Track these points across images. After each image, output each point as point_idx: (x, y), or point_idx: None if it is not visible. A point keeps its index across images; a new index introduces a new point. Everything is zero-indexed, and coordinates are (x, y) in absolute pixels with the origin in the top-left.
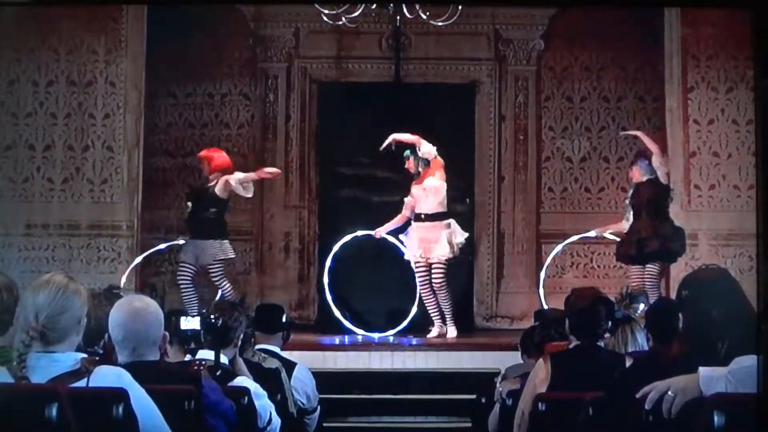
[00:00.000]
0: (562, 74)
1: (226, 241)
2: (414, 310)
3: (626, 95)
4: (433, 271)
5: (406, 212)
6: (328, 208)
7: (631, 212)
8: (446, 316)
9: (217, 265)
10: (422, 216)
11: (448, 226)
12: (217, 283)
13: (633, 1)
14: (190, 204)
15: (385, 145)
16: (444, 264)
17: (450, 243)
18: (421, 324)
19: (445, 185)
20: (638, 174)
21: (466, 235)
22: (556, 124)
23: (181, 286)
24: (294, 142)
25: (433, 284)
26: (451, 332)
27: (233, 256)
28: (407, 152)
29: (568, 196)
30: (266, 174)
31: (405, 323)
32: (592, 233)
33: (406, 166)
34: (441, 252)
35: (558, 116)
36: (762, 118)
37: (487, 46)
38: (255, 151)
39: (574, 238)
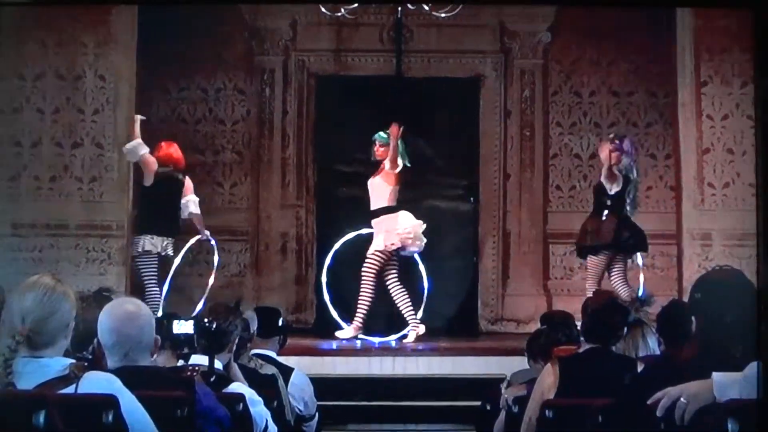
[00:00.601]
0: (570, 68)
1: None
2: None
3: (637, 90)
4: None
5: None
6: (327, 207)
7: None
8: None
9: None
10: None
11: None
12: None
13: (632, 1)
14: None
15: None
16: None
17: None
18: (444, 327)
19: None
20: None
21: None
22: (564, 120)
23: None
24: (291, 139)
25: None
26: (421, 331)
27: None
28: (382, 136)
29: (577, 195)
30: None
31: (407, 328)
32: None
33: (375, 151)
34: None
35: (566, 111)
36: (762, 118)
37: (492, 38)
38: (250, 147)
39: None
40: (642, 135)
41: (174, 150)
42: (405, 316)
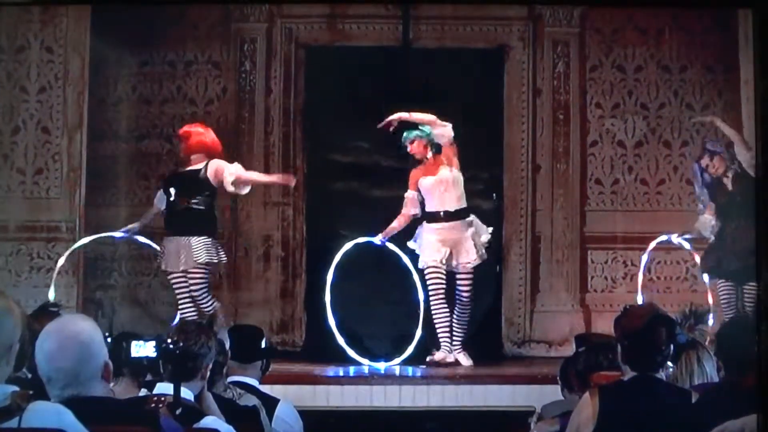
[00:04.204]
0: (611, 38)
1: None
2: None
3: (692, 64)
4: (460, 281)
5: (409, 210)
6: (319, 205)
7: (712, 213)
8: (460, 339)
9: (200, 271)
10: (441, 214)
11: (471, 224)
12: (198, 294)
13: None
14: (172, 191)
15: (384, 123)
16: (472, 272)
17: (476, 245)
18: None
19: (461, 175)
20: (723, 165)
21: (491, 229)
22: (605, 100)
23: (185, 307)
24: (276, 122)
25: (462, 297)
26: (464, 361)
27: (225, 258)
28: (414, 133)
29: (620, 191)
30: (280, 181)
31: (411, 348)
32: (673, 237)
33: (409, 150)
34: (469, 257)
35: (607, 90)
36: (762, 117)
37: (518, 4)
38: (227, 132)
39: (653, 244)
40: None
41: (211, 134)
42: (459, 339)
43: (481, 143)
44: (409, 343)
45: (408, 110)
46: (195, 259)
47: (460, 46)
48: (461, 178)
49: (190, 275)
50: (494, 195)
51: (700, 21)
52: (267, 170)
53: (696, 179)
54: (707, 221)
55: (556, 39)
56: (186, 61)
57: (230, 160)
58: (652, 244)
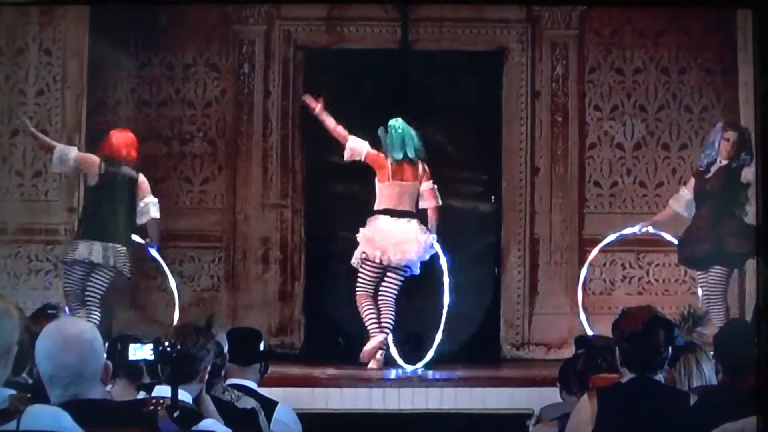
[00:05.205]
0: (610, 40)
1: None
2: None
3: (690, 66)
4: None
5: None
6: (317, 207)
7: (691, 189)
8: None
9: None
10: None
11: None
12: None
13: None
14: None
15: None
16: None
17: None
18: (446, 353)
19: None
20: (734, 153)
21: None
22: (604, 103)
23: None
24: (274, 124)
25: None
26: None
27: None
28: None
29: (619, 193)
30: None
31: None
32: (635, 229)
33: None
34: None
35: (605, 92)
36: (762, 117)
37: (517, 5)
38: (225, 136)
39: (611, 237)
40: (696, 121)
41: (126, 140)
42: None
43: (479, 145)
44: (429, 345)
45: (405, 116)
46: None
47: (459, 49)
48: None
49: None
50: (493, 198)
51: (698, 23)
52: (265, 173)
53: (711, 140)
54: (683, 196)
55: (554, 41)
56: (184, 63)
57: (228, 164)
58: (611, 237)
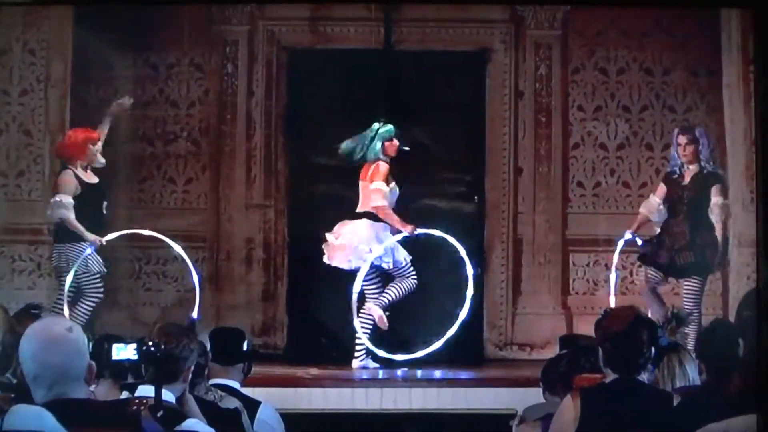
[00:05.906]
0: (594, 40)
1: None
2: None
3: (674, 67)
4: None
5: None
6: (301, 207)
7: (661, 205)
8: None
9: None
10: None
11: None
12: None
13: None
14: None
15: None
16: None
17: None
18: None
19: None
20: (693, 156)
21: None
22: (587, 103)
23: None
24: (258, 125)
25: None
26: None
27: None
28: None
29: (602, 193)
30: None
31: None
32: (627, 235)
33: (391, 148)
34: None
35: (589, 93)
36: (762, 117)
37: (500, 5)
38: (209, 136)
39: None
40: (680, 121)
41: (77, 139)
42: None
43: (462, 146)
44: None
45: (389, 116)
46: None
47: (443, 49)
48: None
49: None
50: (476, 198)
51: (683, 24)
52: (249, 173)
53: (672, 144)
54: (654, 203)
55: (538, 41)
56: (168, 63)
57: (211, 164)
58: (618, 250)
